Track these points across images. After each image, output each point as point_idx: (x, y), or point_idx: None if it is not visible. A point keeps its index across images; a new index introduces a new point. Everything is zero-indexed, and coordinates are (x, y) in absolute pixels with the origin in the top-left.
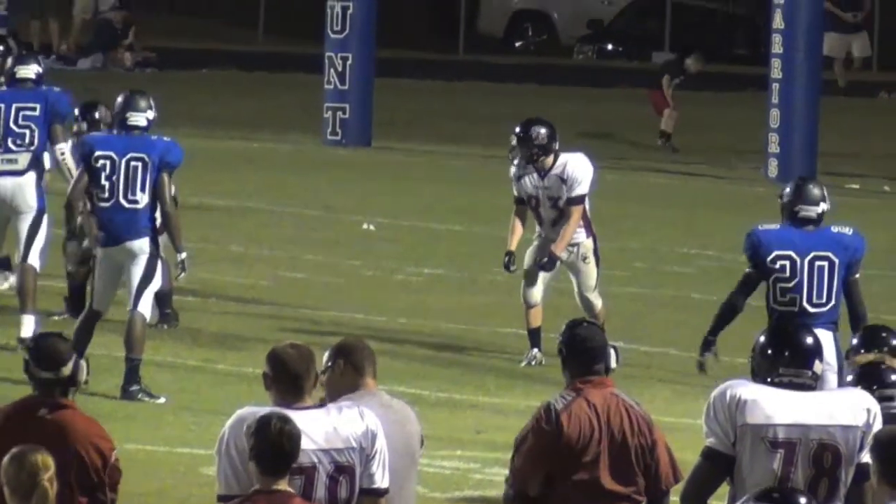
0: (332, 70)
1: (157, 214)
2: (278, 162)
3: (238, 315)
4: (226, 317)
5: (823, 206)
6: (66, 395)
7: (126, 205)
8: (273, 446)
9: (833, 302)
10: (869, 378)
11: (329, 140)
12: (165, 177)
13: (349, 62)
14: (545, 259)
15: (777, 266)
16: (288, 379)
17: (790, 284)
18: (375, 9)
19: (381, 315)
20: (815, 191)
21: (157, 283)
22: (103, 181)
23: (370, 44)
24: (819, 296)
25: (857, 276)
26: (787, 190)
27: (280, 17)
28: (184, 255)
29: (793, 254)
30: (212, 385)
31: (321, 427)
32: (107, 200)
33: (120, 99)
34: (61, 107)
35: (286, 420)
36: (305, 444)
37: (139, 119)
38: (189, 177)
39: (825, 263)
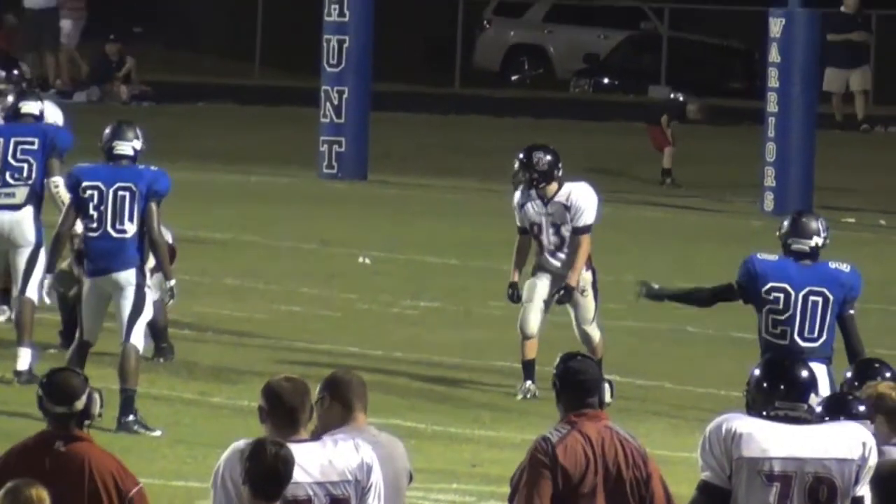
0: (328, 103)
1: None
2: (274, 195)
3: (234, 348)
4: (222, 350)
5: (817, 240)
6: (81, 429)
7: (114, 234)
8: (268, 470)
9: (825, 337)
10: (836, 409)
11: (325, 173)
12: (153, 206)
13: (345, 96)
14: (562, 292)
15: (771, 297)
16: (283, 412)
17: (782, 317)
18: (371, 42)
19: (377, 348)
20: (810, 224)
21: (147, 314)
22: (91, 211)
23: (366, 77)
24: (811, 331)
25: (853, 311)
26: (784, 223)
27: (276, 50)
28: (172, 282)
29: (788, 287)
30: (207, 418)
31: (317, 460)
32: (95, 230)
33: (107, 129)
34: (59, 141)
35: (281, 445)
36: (301, 476)
37: (125, 148)
38: (185, 210)
39: (819, 299)
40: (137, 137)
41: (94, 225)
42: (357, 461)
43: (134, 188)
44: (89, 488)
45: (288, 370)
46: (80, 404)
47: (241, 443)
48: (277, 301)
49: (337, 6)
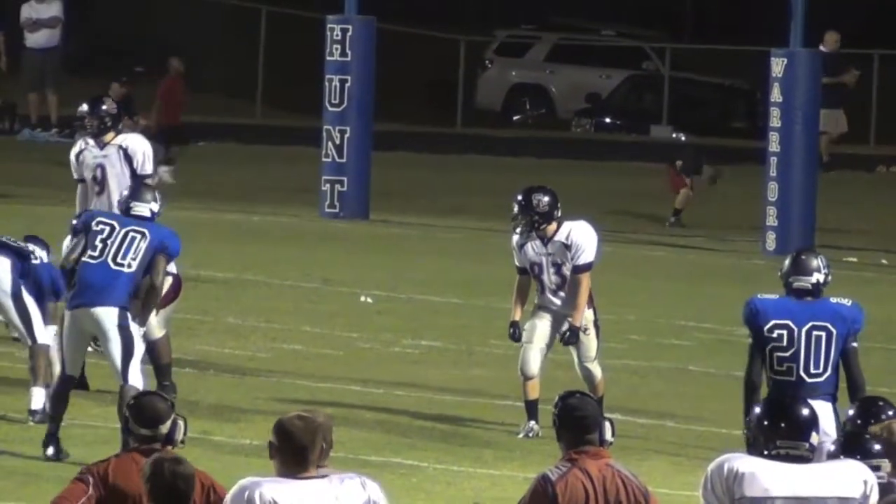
0: (329, 143)
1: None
2: (276, 234)
3: (235, 386)
4: (223, 388)
5: (818, 277)
6: None
7: (112, 266)
8: (167, 488)
9: (829, 372)
10: (853, 448)
11: (327, 213)
12: (162, 258)
13: (347, 135)
14: (567, 333)
15: (774, 335)
16: (292, 450)
17: (787, 354)
18: (373, 82)
19: (379, 387)
20: (811, 262)
21: (139, 351)
22: (97, 242)
23: (368, 117)
24: (816, 366)
25: (856, 345)
26: (785, 262)
27: (278, 89)
28: (144, 330)
29: (790, 323)
30: (209, 457)
31: (323, 497)
32: (95, 259)
33: (125, 192)
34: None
35: (178, 461)
36: None
37: (143, 210)
38: (188, 249)
39: (823, 334)
40: (155, 200)
41: (96, 254)
42: (363, 499)
43: (147, 234)
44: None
45: (290, 409)
46: (164, 429)
47: (246, 481)
48: (279, 340)
49: (339, 46)
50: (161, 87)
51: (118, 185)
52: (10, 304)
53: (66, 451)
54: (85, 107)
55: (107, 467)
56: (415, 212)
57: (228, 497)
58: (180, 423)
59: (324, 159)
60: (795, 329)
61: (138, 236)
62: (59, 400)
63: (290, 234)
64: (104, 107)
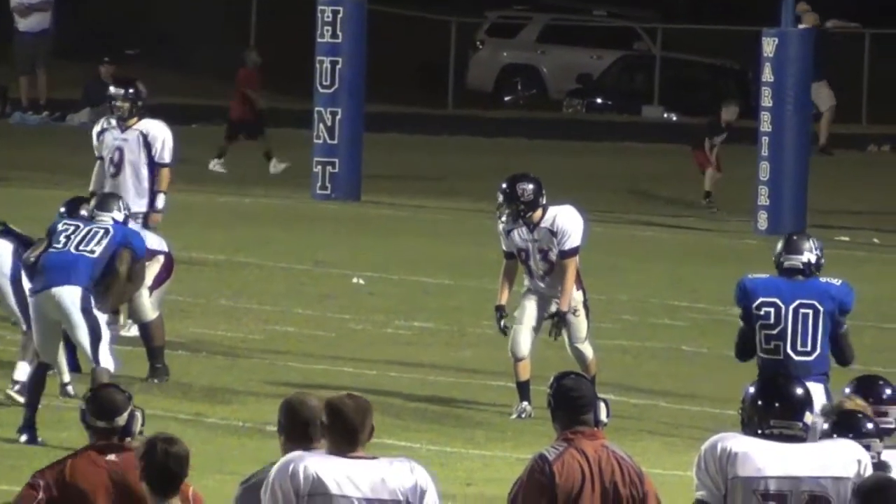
0: (321, 125)
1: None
2: (268, 216)
3: (228, 369)
4: (216, 370)
5: (809, 256)
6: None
7: (73, 251)
8: (160, 467)
9: (819, 351)
10: (846, 427)
11: (318, 194)
12: (126, 251)
13: (338, 117)
14: (556, 319)
15: (762, 313)
16: (344, 429)
17: (774, 332)
18: (364, 64)
19: (371, 369)
20: (802, 242)
21: (106, 335)
22: (62, 238)
23: (359, 98)
24: (804, 343)
25: (846, 326)
26: (778, 245)
27: (269, 72)
28: (107, 317)
29: (778, 301)
30: (203, 440)
31: (369, 477)
32: (58, 249)
33: (93, 201)
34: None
35: (172, 441)
36: (351, 491)
37: (107, 219)
38: (180, 232)
39: (810, 311)
40: (119, 210)
41: (59, 245)
42: (410, 483)
43: (111, 230)
44: (146, 494)
45: (283, 391)
46: (121, 420)
47: (292, 454)
48: (272, 322)
49: (330, 28)
50: (237, 78)
51: (133, 170)
52: (8, 288)
53: (42, 437)
54: (119, 89)
55: (63, 468)
56: (406, 193)
57: (274, 470)
58: (137, 414)
59: (315, 141)
60: (783, 307)
61: (101, 231)
62: (34, 388)
63: (281, 216)
64: (135, 90)
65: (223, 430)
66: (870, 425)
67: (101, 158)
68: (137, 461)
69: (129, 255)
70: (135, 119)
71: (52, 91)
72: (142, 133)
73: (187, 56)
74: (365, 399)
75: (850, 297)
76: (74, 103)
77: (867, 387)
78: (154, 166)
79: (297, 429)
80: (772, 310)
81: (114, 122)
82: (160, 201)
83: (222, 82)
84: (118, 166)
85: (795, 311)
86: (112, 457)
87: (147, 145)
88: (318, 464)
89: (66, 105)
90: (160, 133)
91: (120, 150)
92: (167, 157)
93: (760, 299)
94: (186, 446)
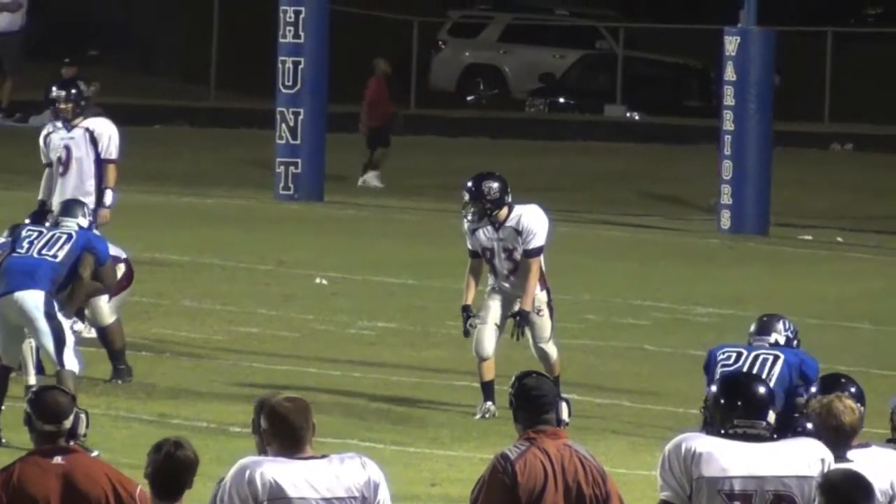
0: (283, 125)
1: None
2: (231, 217)
3: (192, 370)
4: (180, 371)
5: (777, 337)
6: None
7: (36, 255)
8: (166, 471)
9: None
10: (831, 388)
11: (281, 195)
12: (89, 256)
13: (301, 117)
14: (518, 318)
15: (724, 356)
16: (288, 432)
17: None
18: (327, 64)
19: (335, 369)
20: (773, 323)
21: (70, 338)
22: (25, 243)
23: (322, 98)
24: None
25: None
26: (752, 325)
27: (231, 72)
28: (73, 321)
29: (742, 350)
30: None
31: (323, 476)
32: (20, 254)
33: (58, 207)
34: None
35: (179, 445)
36: (308, 493)
37: (71, 224)
38: (142, 233)
39: (770, 358)
40: (84, 216)
41: (22, 251)
42: (364, 478)
43: (74, 235)
44: (96, 495)
45: (247, 392)
46: (67, 423)
47: (247, 460)
48: (235, 322)
49: (292, 28)
50: (367, 88)
51: (80, 167)
52: None
53: (5, 438)
54: (60, 91)
55: (10, 474)
56: (369, 193)
57: (229, 476)
58: (82, 416)
59: (278, 141)
60: (744, 353)
61: (64, 236)
62: None
63: (244, 216)
64: (77, 90)
65: (187, 431)
66: (809, 425)
67: (50, 164)
68: (146, 465)
69: (92, 260)
70: (80, 118)
71: (15, 93)
72: (88, 130)
73: (149, 57)
74: (302, 398)
75: (814, 369)
76: (37, 104)
77: (832, 385)
78: (101, 163)
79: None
80: (734, 354)
81: (59, 124)
82: (108, 198)
83: (184, 83)
84: (66, 164)
85: (755, 357)
86: (59, 459)
87: (93, 142)
88: (274, 468)
89: (29, 106)
90: (106, 130)
91: (67, 148)
92: (114, 153)
93: (725, 350)
94: (195, 452)
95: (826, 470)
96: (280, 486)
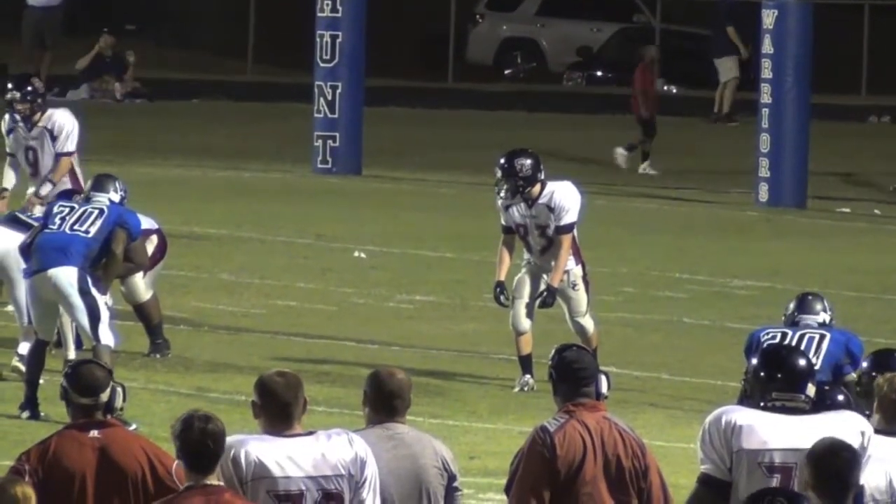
0: (321, 99)
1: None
2: (269, 191)
3: (230, 343)
4: (218, 345)
5: (825, 317)
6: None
7: (68, 231)
8: (197, 445)
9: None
10: (884, 363)
11: (319, 168)
12: (121, 231)
13: (339, 91)
14: (545, 293)
15: (769, 337)
16: (277, 407)
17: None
18: (364, 38)
19: (373, 342)
20: (816, 303)
21: (105, 315)
22: (57, 219)
23: (360, 72)
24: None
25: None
26: (790, 304)
27: (269, 46)
28: (107, 298)
29: (786, 331)
30: None
31: (309, 454)
32: (52, 230)
33: (89, 182)
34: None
35: (208, 419)
36: (293, 471)
37: (103, 199)
38: (180, 206)
39: (816, 337)
40: (116, 190)
41: (54, 227)
42: (350, 455)
43: (106, 210)
44: (132, 469)
45: (284, 365)
46: (104, 396)
47: (231, 439)
48: (273, 296)
49: (330, 2)
50: (636, 76)
51: (48, 167)
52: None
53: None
54: (15, 92)
55: (47, 447)
56: (407, 167)
57: None
58: (119, 390)
59: (315, 115)
60: (789, 332)
61: (96, 211)
62: (34, 365)
63: (282, 190)
64: (32, 88)
65: (226, 405)
66: (840, 397)
67: (13, 155)
68: (173, 440)
69: (124, 236)
70: (38, 115)
71: (52, 67)
72: (46, 129)
73: (187, 31)
74: (295, 374)
75: (859, 350)
76: (74, 79)
77: (884, 360)
78: (57, 157)
79: (383, 400)
80: (779, 333)
81: (18, 118)
82: (45, 189)
83: (222, 57)
84: (35, 166)
85: (801, 337)
86: (95, 433)
87: (53, 139)
88: (259, 447)
89: (66, 81)
90: (66, 125)
91: (32, 150)
92: (70, 147)
93: (769, 330)
94: (222, 424)
95: (866, 443)
96: (264, 465)
